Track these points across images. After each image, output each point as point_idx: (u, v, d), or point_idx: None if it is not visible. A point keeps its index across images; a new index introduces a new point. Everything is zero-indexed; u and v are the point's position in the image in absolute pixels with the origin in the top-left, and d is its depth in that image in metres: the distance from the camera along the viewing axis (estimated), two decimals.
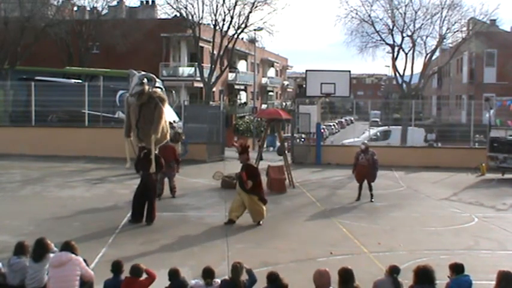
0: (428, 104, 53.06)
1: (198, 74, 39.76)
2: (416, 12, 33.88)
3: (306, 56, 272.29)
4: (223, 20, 37.01)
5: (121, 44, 37.46)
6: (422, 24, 34.14)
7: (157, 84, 13.80)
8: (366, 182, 16.01)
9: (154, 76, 13.68)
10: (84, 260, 7.24)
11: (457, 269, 7.01)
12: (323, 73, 24.97)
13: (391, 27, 34.33)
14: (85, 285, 7.14)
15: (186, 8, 36.63)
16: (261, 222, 12.79)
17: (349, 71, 25.30)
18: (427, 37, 34.77)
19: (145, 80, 13.10)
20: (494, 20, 39.31)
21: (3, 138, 23.87)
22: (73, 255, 7.03)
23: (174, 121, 21.29)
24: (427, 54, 35.32)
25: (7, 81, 28.52)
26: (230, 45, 37.87)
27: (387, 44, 35.07)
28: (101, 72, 30.06)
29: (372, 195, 15.96)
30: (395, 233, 12.51)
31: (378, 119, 46.83)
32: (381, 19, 34.65)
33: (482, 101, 29.62)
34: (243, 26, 37.49)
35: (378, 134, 31.64)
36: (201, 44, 39.78)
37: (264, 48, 59.77)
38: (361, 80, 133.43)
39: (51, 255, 7.23)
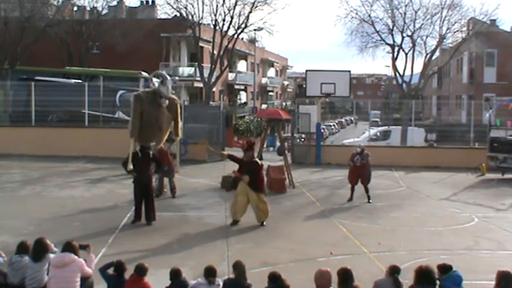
0: (428, 104, 53.03)
1: (198, 74, 39.76)
2: (416, 12, 33.83)
3: (306, 56, 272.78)
4: (223, 20, 37.04)
5: (121, 44, 37.45)
6: (422, 24, 34.09)
7: (156, 85, 13.93)
8: (361, 184, 16.03)
9: (176, 78, 14.05)
10: (85, 260, 7.26)
11: (445, 269, 7.04)
12: (323, 73, 24.98)
13: (391, 27, 34.27)
14: (85, 284, 7.16)
15: (186, 8, 36.63)
16: (264, 223, 12.80)
17: (349, 71, 25.32)
18: (427, 37, 34.74)
19: (170, 82, 13.58)
20: (494, 20, 39.26)
21: (3, 138, 23.88)
22: (76, 257, 7.05)
23: None
24: (427, 54, 35.29)
25: (7, 81, 28.54)
26: (230, 45, 37.87)
27: (387, 44, 35.02)
28: (101, 72, 30.09)
29: (368, 197, 15.97)
30: (396, 233, 12.51)
31: (378, 119, 46.85)
32: (381, 19, 34.58)
33: (482, 101, 29.67)
34: (243, 26, 37.51)
35: (378, 134, 31.63)
36: (201, 44, 39.77)
37: (264, 48, 59.75)
38: (361, 80, 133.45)
39: (51, 255, 7.25)
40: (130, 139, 13.18)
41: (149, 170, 12.87)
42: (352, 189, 16.07)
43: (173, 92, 14.68)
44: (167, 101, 13.46)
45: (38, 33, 33.93)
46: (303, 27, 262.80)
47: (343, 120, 73.06)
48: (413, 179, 21.02)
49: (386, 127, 33.49)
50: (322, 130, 28.61)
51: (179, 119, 14.12)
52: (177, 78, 15.05)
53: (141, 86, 25.71)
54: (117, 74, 29.57)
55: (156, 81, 13.78)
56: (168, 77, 13.74)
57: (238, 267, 7.04)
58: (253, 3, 36.53)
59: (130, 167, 12.72)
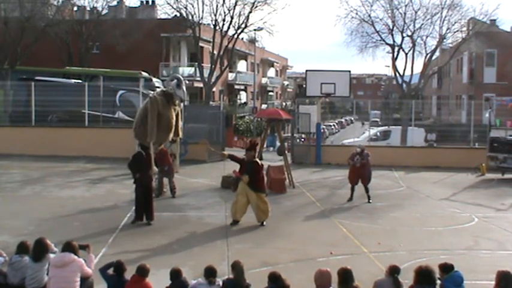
0: (428, 104, 53.05)
1: (198, 74, 39.78)
2: (416, 12, 33.84)
3: (306, 56, 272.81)
4: (223, 20, 37.08)
5: (121, 44, 37.47)
6: (422, 24, 34.11)
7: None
8: (361, 184, 16.04)
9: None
10: (85, 260, 7.26)
11: (446, 268, 7.04)
12: (323, 73, 24.97)
13: (391, 27, 34.28)
14: (85, 284, 7.16)
15: (186, 8, 36.67)
16: (264, 223, 12.80)
17: (349, 71, 25.31)
18: (427, 37, 34.75)
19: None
20: (494, 20, 39.27)
21: (3, 138, 23.87)
22: (76, 257, 7.07)
23: None
24: (427, 54, 35.30)
25: (7, 81, 28.55)
26: (230, 45, 37.89)
27: (387, 44, 35.03)
28: (101, 72, 30.08)
29: (369, 197, 15.97)
30: (396, 233, 12.51)
31: (378, 119, 46.83)
32: (381, 19, 34.59)
33: (482, 101, 29.69)
34: (243, 26, 37.56)
35: (378, 134, 31.64)
36: (201, 44, 39.78)
37: (264, 48, 59.75)
38: (361, 80, 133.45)
39: (51, 255, 7.26)
40: (148, 142, 12.98)
41: (150, 170, 12.87)
42: (352, 189, 16.08)
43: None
44: (182, 104, 13.59)
45: (38, 33, 33.93)
46: (303, 27, 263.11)
47: (343, 120, 73.04)
48: (413, 179, 21.01)
49: (386, 127, 33.48)
50: (322, 130, 28.60)
51: (180, 119, 14.23)
52: (187, 82, 15.15)
53: (141, 86, 25.72)
54: (117, 74, 29.55)
55: (173, 83, 13.77)
56: (183, 80, 13.82)
57: (237, 268, 7.05)
58: (253, 3, 36.59)
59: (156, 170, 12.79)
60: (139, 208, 12.70)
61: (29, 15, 32.85)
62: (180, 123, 15.08)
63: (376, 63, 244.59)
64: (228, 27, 37.31)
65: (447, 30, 34.26)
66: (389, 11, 34.04)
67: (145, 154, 12.82)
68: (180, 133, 14.73)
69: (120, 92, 25.75)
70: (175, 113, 13.76)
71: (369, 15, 34.31)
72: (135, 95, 25.07)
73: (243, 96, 59.77)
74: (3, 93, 27.61)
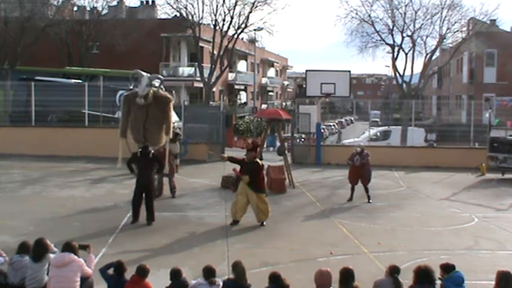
0: (428, 104, 53.02)
1: (198, 74, 39.80)
2: (416, 12, 33.83)
3: (306, 56, 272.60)
4: (223, 20, 37.12)
5: (121, 44, 37.49)
6: (422, 24, 34.09)
7: (156, 85, 13.94)
8: (361, 184, 16.04)
9: (161, 76, 14.08)
10: (84, 260, 7.26)
11: (447, 268, 7.05)
12: (323, 73, 24.97)
13: (391, 27, 34.28)
14: (85, 284, 7.16)
15: (186, 8, 36.72)
16: (264, 223, 12.80)
17: (349, 71, 25.30)
18: (427, 37, 34.74)
19: (156, 81, 13.47)
20: (494, 20, 39.29)
21: (3, 138, 23.86)
22: (76, 257, 7.08)
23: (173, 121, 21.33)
24: (427, 54, 35.29)
25: (7, 81, 28.54)
26: (230, 45, 37.90)
27: (387, 44, 35.02)
28: (100, 72, 30.08)
29: (368, 197, 15.98)
30: (396, 233, 12.52)
31: (378, 119, 46.83)
32: (381, 19, 34.58)
33: (482, 101, 29.69)
34: (243, 26, 37.59)
35: (378, 134, 31.64)
36: (201, 44, 39.80)
37: (264, 48, 59.75)
38: (361, 80, 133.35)
39: (51, 255, 7.26)
40: (120, 139, 13.20)
41: (150, 169, 12.87)
42: (352, 189, 16.08)
43: (162, 89, 14.44)
44: (142, 100, 13.28)
45: (38, 33, 33.91)
46: (303, 27, 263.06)
47: (343, 120, 72.98)
48: (413, 179, 21.02)
49: (386, 127, 33.48)
50: (322, 130, 28.59)
51: (170, 118, 13.93)
52: (161, 76, 14.92)
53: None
54: (117, 74, 29.54)
55: (156, 81, 13.78)
56: (144, 75, 13.56)
57: (237, 268, 7.03)
58: (253, 3, 36.62)
59: (119, 165, 12.76)
60: (135, 208, 12.69)
61: (29, 15, 32.83)
62: (175, 123, 14.93)
63: (376, 63, 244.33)
64: (228, 27, 37.39)
65: (447, 30, 34.29)
66: (389, 11, 34.05)
67: (142, 154, 12.82)
68: (171, 133, 14.44)
69: (120, 92, 25.71)
70: (160, 110, 13.52)
71: (369, 15, 34.33)
72: None
73: (243, 96, 59.79)
74: (3, 93, 27.60)
